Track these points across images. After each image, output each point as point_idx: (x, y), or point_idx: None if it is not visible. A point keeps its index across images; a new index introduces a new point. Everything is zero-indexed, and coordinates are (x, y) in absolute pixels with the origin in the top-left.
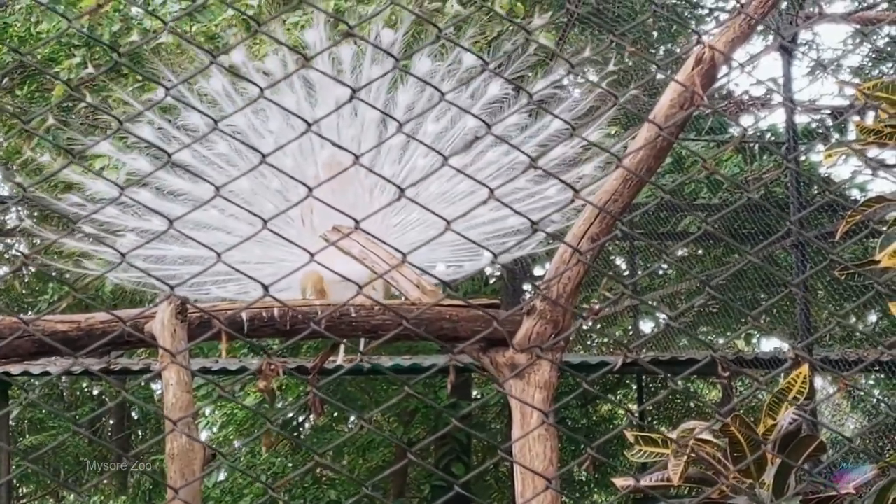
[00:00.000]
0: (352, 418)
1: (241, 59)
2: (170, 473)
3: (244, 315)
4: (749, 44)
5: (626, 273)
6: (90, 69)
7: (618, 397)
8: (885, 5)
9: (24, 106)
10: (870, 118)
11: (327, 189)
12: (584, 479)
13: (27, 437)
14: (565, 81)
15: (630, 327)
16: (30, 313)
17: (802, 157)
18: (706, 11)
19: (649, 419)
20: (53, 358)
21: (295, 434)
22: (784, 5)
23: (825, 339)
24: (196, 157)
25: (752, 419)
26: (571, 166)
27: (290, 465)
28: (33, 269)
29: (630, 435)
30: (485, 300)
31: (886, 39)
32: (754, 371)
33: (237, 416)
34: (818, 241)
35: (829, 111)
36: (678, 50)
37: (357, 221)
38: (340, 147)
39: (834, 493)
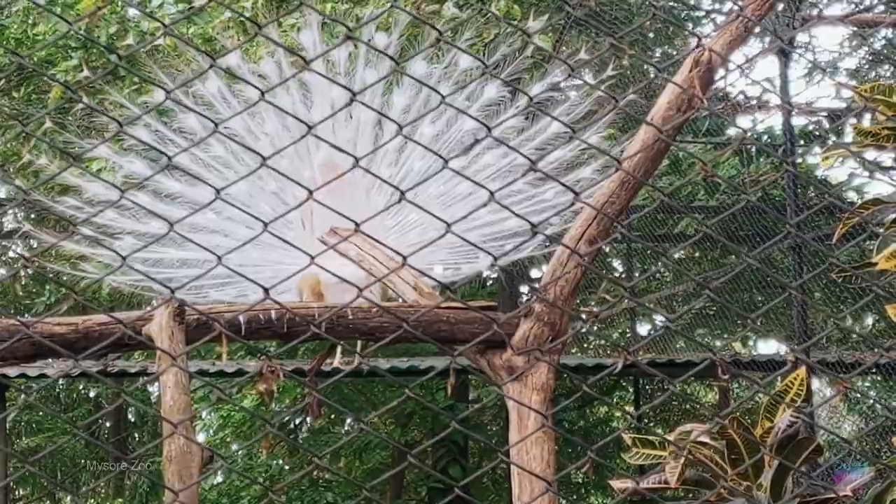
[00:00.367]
0: (349, 420)
1: (236, 61)
2: (167, 476)
3: (242, 317)
4: (746, 46)
5: (624, 276)
6: (86, 72)
7: (614, 400)
8: (881, 8)
9: (21, 108)
10: (867, 120)
11: (324, 191)
12: (580, 481)
13: (24, 439)
14: (562, 84)
15: (627, 330)
16: (27, 315)
17: (799, 160)
18: (703, 14)
19: (646, 421)
20: (50, 360)
21: (292, 436)
22: (781, 7)
23: (822, 341)
24: (193, 160)
25: (749, 421)
26: (569, 170)
27: (288, 467)
28: (31, 272)
29: (627, 437)
30: (482, 302)
31: (883, 42)
32: (751, 373)
33: (234, 418)
34: (816, 244)
35: (825, 113)
36: (675, 52)
37: (357, 224)
38: (340, 150)
39: (832, 495)
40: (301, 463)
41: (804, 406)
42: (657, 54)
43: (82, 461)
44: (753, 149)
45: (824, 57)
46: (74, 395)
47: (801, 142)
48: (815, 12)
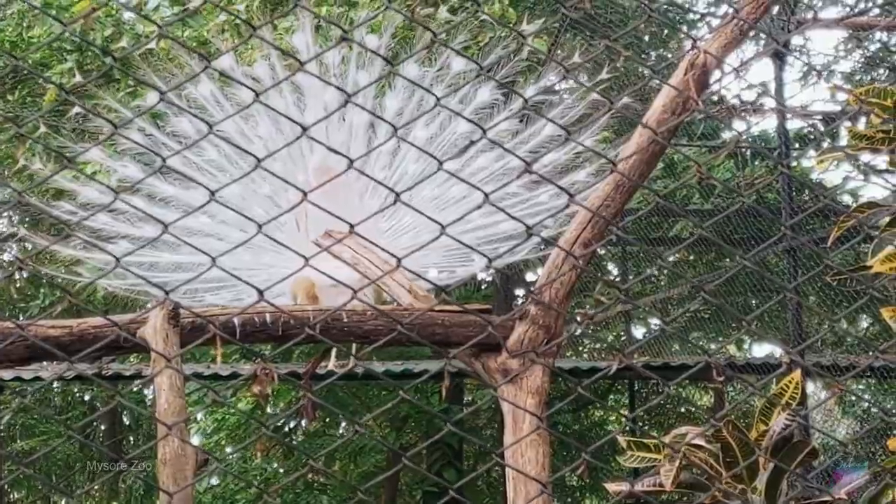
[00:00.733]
0: (343, 423)
1: (229, 63)
2: (162, 478)
3: (237, 320)
4: (741, 48)
5: (618, 278)
6: (78, 77)
7: (610, 402)
8: (876, 11)
9: (16, 111)
10: (862, 124)
11: (318, 194)
12: (575, 484)
13: (19, 441)
14: (557, 87)
15: (622, 332)
16: (22, 318)
17: (794, 163)
18: (698, 17)
19: (641, 424)
20: (45, 363)
21: (287, 439)
22: (776, 10)
23: (817, 344)
24: (186, 164)
25: (744, 424)
26: (563, 172)
27: (282, 470)
28: (26, 274)
29: (622, 440)
30: (477, 305)
31: (878, 45)
32: (746, 376)
33: (229, 421)
34: (811, 247)
35: (820, 116)
36: (670, 55)
37: (352, 226)
38: (335, 151)
39: (827, 498)
40: (296, 466)
41: (799, 409)
42: (652, 57)
43: (77, 464)
44: (748, 152)
45: (819, 60)
46: (69, 398)
47: (796, 145)
48: (810, 15)
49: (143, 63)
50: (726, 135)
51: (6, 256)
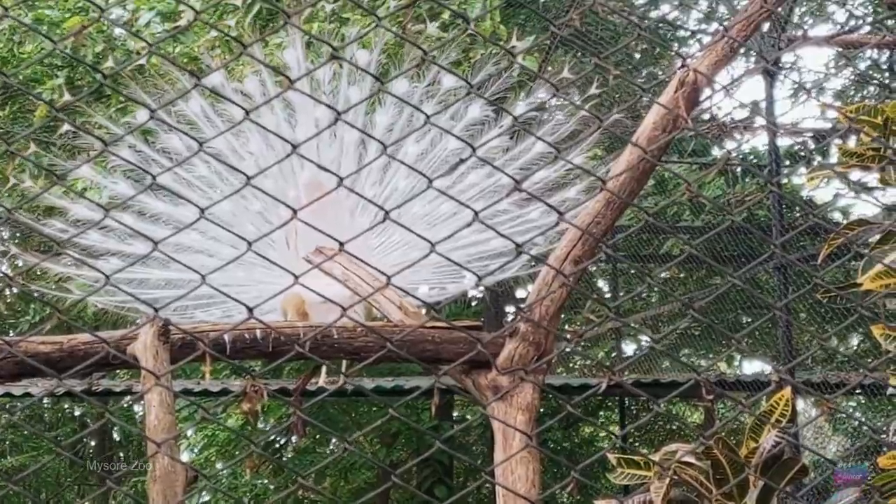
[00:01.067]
0: (333, 440)
1: (220, 80)
2: (152, 495)
3: (227, 336)
4: (732, 65)
5: (609, 295)
6: (67, 96)
7: (600, 419)
8: (867, 28)
9: (6, 126)
10: (852, 141)
11: (309, 210)
12: (566, 501)
13: (8, 457)
14: (548, 103)
15: (612, 349)
16: (12, 333)
17: (785, 180)
18: (688, 34)
19: (631, 441)
20: (35, 379)
21: (277, 456)
22: (766, 28)
23: (807, 361)
24: (176, 180)
25: (734, 441)
26: (554, 190)
27: (273, 486)
28: (16, 290)
29: (612, 457)
30: (467, 322)
31: (868, 62)
32: (736, 393)
33: (219, 437)
34: (801, 265)
35: (811, 134)
36: (661, 72)
37: (342, 244)
38: (325, 169)
39: None
40: (286, 482)
41: (789, 426)
42: (643, 74)
43: (67, 480)
44: (739, 169)
45: (810, 77)
46: (59, 414)
47: (787, 162)
48: (800, 33)
49: (133, 80)
50: (717, 151)
51: None
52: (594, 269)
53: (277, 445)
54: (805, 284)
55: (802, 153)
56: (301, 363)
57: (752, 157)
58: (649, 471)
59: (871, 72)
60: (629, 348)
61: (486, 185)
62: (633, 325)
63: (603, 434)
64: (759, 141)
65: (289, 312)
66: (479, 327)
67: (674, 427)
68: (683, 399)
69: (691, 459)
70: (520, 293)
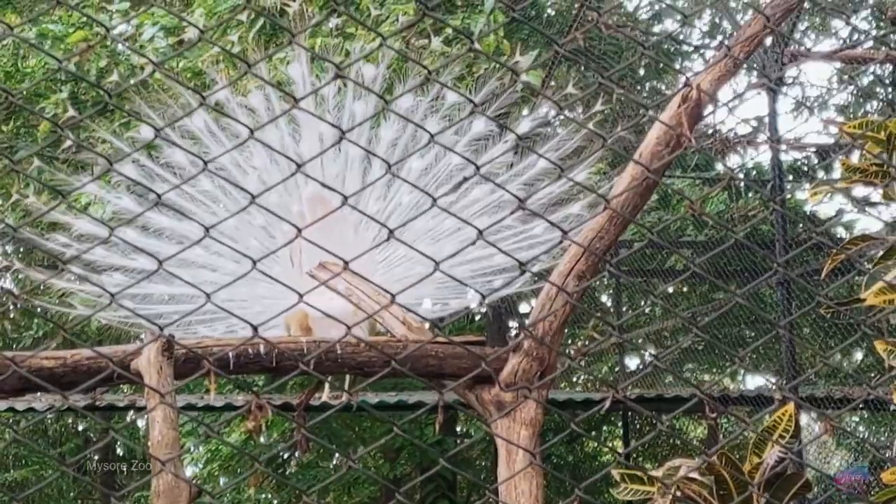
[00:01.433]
0: (337, 455)
1: (224, 94)
2: None
3: (231, 352)
4: (735, 80)
5: (612, 310)
6: (71, 111)
7: (603, 434)
8: (870, 44)
9: (9, 141)
10: (855, 156)
11: (312, 226)
12: None
13: (12, 471)
14: (552, 119)
15: (616, 364)
16: (15, 348)
17: (788, 196)
18: (692, 49)
19: (635, 456)
20: (39, 394)
21: (280, 471)
22: (769, 43)
23: (811, 376)
24: (180, 195)
25: (737, 457)
26: (558, 205)
27: (276, 502)
28: (19, 306)
29: (616, 473)
30: (471, 337)
31: (871, 78)
32: (739, 408)
33: (222, 452)
34: (804, 281)
35: (814, 149)
36: (664, 87)
37: (346, 262)
38: (329, 188)
39: None
40: (289, 497)
41: (793, 442)
42: (647, 89)
43: (70, 494)
44: (742, 184)
45: (813, 92)
46: (63, 429)
47: (790, 177)
48: (803, 48)
49: (137, 95)
50: (720, 166)
51: None
52: (597, 283)
53: (281, 460)
54: (809, 298)
55: (806, 168)
56: (305, 378)
57: (755, 172)
58: (653, 486)
59: (874, 87)
60: (633, 362)
61: (491, 201)
62: (636, 342)
63: (607, 449)
64: (763, 156)
65: (292, 327)
66: (483, 342)
67: (677, 442)
68: (687, 414)
69: (695, 475)
70: (523, 308)
